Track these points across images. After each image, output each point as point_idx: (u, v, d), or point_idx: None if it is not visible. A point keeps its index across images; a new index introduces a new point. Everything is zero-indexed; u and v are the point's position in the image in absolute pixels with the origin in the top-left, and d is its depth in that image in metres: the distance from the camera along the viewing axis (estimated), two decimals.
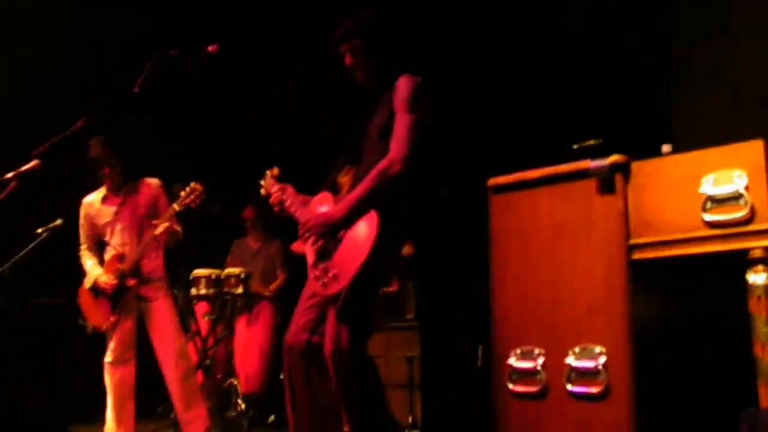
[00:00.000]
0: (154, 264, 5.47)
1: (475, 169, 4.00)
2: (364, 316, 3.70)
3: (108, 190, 5.48)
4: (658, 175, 3.00)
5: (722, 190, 2.82)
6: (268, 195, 4.08)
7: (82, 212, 5.51)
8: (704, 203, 2.85)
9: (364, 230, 3.51)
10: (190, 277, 6.44)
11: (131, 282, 5.24)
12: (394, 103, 3.62)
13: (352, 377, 3.58)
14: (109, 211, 5.44)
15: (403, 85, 3.63)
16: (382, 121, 3.65)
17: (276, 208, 4.01)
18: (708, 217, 2.84)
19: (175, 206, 5.24)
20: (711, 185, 2.84)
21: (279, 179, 4.11)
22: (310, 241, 3.73)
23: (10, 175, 5.06)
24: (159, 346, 5.36)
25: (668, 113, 4.84)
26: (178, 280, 6.19)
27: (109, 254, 5.37)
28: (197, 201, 5.24)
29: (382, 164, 3.51)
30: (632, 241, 3.01)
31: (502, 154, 4.05)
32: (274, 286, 7.26)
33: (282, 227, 5.67)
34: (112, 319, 5.23)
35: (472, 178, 3.98)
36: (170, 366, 5.36)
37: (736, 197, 2.78)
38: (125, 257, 5.28)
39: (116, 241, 5.36)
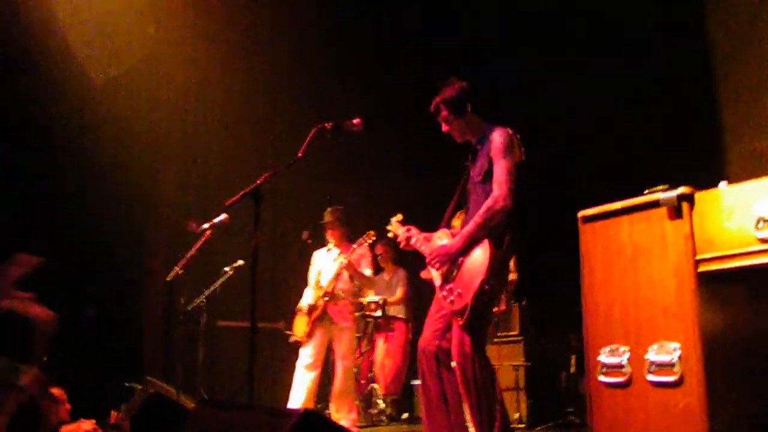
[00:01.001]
0: (347, 308, 5.95)
1: (562, 203, 4.03)
2: (482, 326, 3.77)
3: (331, 245, 5.94)
4: (717, 202, 2.99)
5: None
6: (396, 235, 4.21)
7: (313, 260, 6.01)
8: (757, 223, 2.83)
9: (480, 255, 3.60)
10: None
11: (322, 302, 5.63)
12: (491, 153, 3.70)
13: (474, 375, 3.64)
14: (327, 259, 5.90)
15: (497, 137, 3.72)
16: (483, 169, 3.74)
17: (403, 245, 4.12)
18: (760, 234, 2.81)
19: (355, 246, 5.75)
20: (762, 208, 2.82)
21: (402, 222, 4.25)
22: (436, 267, 3.82)
23: (206, 225, 5.36)
24: (337, 360, 5.71)
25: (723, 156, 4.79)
26: None
27: (319, 291, 5.79)
28: (366, 242, 5.67)
29: (488, 203, 3.61)
30: (698, 257, 3.00)
31: (585, 190, 4.04)
32: (393, 299, 7.30)
33: (406, 259, 5.91)
34: (305, 332, 5.64)
35: (560, 212, 4.01)
36: (340, 378, 5.68)
37: None
38: (331, 293, 5.67)
39: (327, 282, 5.78)
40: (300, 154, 3.81)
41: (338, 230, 5.97)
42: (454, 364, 3.75)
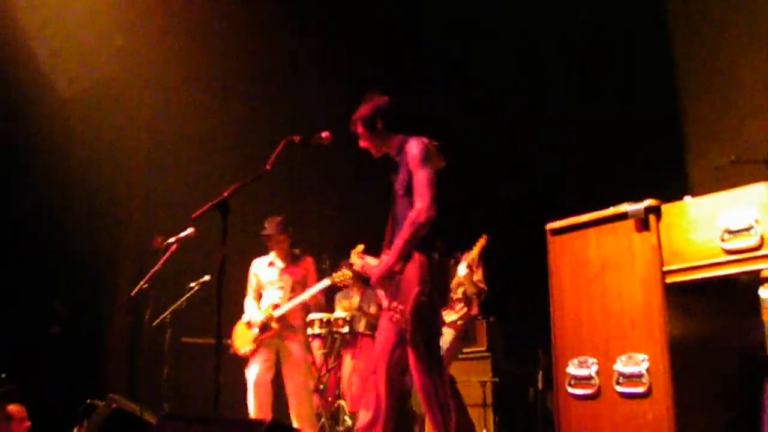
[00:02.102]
0: (297, 315, 5.64)
1: (531, 217, 4.02)
2: (433, 337, 3.73)
3: (274, 257, 5.68)
4: (684, 215, 3.01)
5: (736, 223, 2.81)
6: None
7: (252, 270, 5.74)
8: (722, 235, 2.84)
9: (411, 270, 3.59)
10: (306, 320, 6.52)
11: (277, 325, 5.42)
12: (409, 165, 3.69)
13: (435, 391, 3.61)
14: (272, 272, 5.65)
15: (412, 148, 3.72)
16: (405, 182, 3.72)
17: (360, 273, 4.11)
18: (726, 245, 2.83)
19: (328, 281, 5.47)
20: (727, 220, 2.84)
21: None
22: (376, 287, 3.83)
23: (171, 240, 5.25)
24: (289, 379, 5.48)
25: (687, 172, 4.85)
26: None
27: (265, 302, 5.57)
28: (345, 283, 5.50)
29: (412, 216, 3.62)
30: (665, 268, 3.00)
31: (552, 203, 4.05)
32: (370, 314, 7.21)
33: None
34: (252, 348, 5.42)
35: (528, 227, 4.00)
36: (298, 396, 5.46)
37: (748, 228, 2.77)
38: (277, 307, 5.47)
39: (272, 295, 5.56)
40: (268, 167, 3.74)
41: (282, 243, 5.59)
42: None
